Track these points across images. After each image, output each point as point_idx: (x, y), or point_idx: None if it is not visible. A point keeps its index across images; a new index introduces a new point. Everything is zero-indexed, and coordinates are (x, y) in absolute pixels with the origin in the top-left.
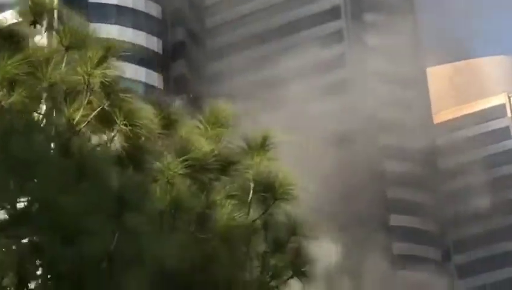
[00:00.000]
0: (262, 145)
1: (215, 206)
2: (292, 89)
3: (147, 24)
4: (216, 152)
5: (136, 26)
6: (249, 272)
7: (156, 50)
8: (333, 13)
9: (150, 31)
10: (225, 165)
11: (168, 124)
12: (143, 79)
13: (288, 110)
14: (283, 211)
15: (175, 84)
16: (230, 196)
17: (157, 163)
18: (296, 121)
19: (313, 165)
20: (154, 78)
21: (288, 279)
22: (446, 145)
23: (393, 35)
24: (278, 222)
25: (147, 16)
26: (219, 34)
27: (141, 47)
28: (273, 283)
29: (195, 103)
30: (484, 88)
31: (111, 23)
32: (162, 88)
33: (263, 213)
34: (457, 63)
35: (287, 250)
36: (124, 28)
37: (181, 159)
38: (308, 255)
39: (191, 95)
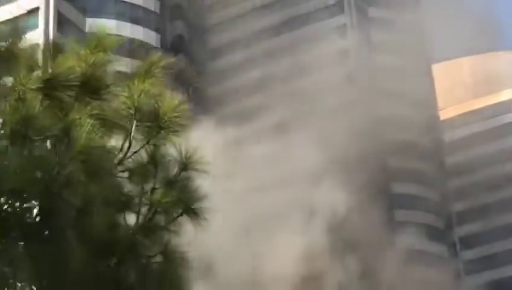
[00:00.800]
0: (147, 71)
1: (76, 126)
2: (296, 85)
3: (145, 18)
4: (84, 71)
5: (134, 21)
6: (133, 210)
7: (154, 44)
8: (337, 8)
9: (148, 26)
10: (97, 87)
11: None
12: None
13: (292, 106)
14: (172, 143)
15: (175, 79)
16: (93, 116)
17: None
18: (301, 116)
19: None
20: None
21: (177, 217)
22: (453, 141)
23: (398, 30)
24: (166, 156)
25: (145, 10)
26: (221, 31)
27: (139, 41)
28: (162, 222)
29: (195, 97)
30: (492, 84)
31: (109, 18)
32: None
33: (146, 144)
34: (464, 58)
35: (177, 186)
36: (122, 22)
37: (35, 72)
38: (200, 191)
39: (191, 89)
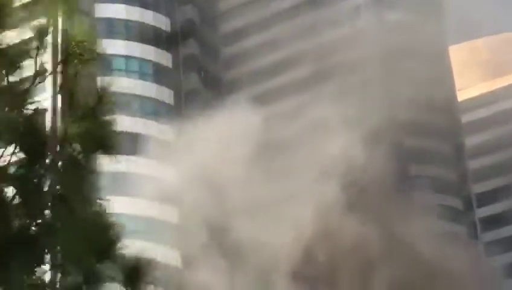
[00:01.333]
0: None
1: None
2: (310, 68)
3: (154, 3)
4: None
5: (144, 5)
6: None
7: (164, 29)
8: None
9: (158, 10)
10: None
11: None
12: (152, 58)
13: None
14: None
15: (185, 63)
16: None
17: None
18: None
19: None
20: (163, 57)
21: (94, 151)
22: (472, 122)
23: (414, 10)
24: (81, 86)
25: None
26: (233, 15)
27: (149, 26)
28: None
29: (206, 81)
30: (511, 64)
31: (118, 3)
32: (172, 67)
33: (54, 72)
34: (481, 40)
35: (92, 119)
36: (131, 7)
37: None
38: (114, 127)
39: (202, 74)
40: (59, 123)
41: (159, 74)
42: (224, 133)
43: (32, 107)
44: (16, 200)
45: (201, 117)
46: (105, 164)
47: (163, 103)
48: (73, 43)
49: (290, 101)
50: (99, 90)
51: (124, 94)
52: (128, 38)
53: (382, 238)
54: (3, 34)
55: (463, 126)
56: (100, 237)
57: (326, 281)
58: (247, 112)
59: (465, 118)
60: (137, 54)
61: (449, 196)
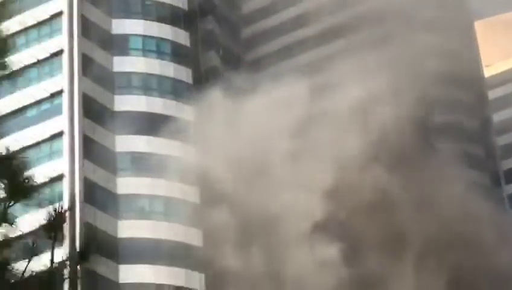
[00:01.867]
0: None
1: None
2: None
3: None
4: None
5: None
6: None
7: (181, 7)
8: None
9: None
10: None
11: None
12: (170, 37)
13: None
14: None
15: (203, 41)
16: None
17: None
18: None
19: None
20: (181, 36)
21: None
22: (499, 98)
23: None
24: None
25: None
26: None
27: (166, 4)
28: None
29: (225, 59)
30: None
31: None
32: (190, 45)
33: None
34: (509, 14)
35: None
36: None
37: None
38: None
39: (221, 52)
40: None
41: (177, 53)
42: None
43: None
44: None
45: (221, 95)
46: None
47: (181, 82)
48: None
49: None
50: None
51: (141, 74)
52: (145, 18)
53: (409, 196)
54: None
55: (490, 102)
56: None
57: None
58: (272, 89)
59: (493, 94)
60: (154, 34)
61: (476, 171)
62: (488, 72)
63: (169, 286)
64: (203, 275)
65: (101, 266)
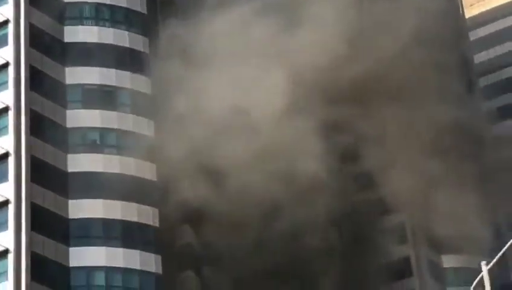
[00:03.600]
0: None
1: None
2: None
3: None
4: None
5: None
6: None
7: None
8: None
9: None
10: None
11: None
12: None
13: None
14: None
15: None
16: None
17: None
18: None
19: None
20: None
21: None
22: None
23: None
24: None
25: None
26: None
27: None
28: None
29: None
30: None
31: None
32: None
33: None
34: None
35: None
36: None
37: None
38: None
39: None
40: None
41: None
42: None
43: None
44: None
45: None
46: None
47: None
48: None
49: None
50: None
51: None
52: None
53: None
54: None
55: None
56: None
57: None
58: None
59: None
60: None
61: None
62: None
63: (120, 221)
64: (157, 210)
65: (49, 202)
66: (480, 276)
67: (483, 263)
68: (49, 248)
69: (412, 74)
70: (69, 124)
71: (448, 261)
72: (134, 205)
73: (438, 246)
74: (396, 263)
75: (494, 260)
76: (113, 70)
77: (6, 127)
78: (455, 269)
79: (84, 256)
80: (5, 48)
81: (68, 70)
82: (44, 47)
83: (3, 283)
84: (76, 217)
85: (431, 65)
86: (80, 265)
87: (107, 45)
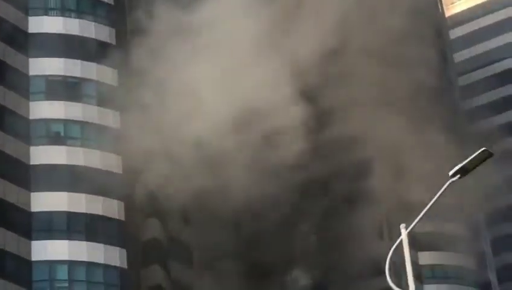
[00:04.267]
0: None
1: None
2: None
3: None
4: None
5: None
6: None
7: None
8: None
9: None
10: None
11: None
12: None
13: None
14: None
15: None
16: None
17: None
18: None
19: None
20: None
21: None
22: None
23: None
24: None
25: None
26: None
27: None
28: None
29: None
30: None
31: None
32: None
33: None
34: None
35: None
36: None
37: None
38: None
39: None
40: None
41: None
42: None
43: None
44: None
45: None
46: None
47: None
48: None
49: None
50: None
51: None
52: None
53: None
54: None
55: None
56: None
57: None
58: None
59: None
60: None
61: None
62: (448, 12)
63: (85, 214)
64: (122, 203)
65: (12, 195)
66: (399, 240)
67: (402, 225)
68: (10, 242)
69: (390, 72)
70: (32, 116)
71: (425, 258)
72: (99, 198)
73: (415, 243)
74: (372, 260)
75: (414, 223)
76: (78, 62)
77: None
78: (431, 266)
79: (47, 250)
80: None
81: (32, 61)
82: (8, 37)
83: None
84: (39, 210)
85: (410, 63)
86: (42, 259)
87: (72, 35)
